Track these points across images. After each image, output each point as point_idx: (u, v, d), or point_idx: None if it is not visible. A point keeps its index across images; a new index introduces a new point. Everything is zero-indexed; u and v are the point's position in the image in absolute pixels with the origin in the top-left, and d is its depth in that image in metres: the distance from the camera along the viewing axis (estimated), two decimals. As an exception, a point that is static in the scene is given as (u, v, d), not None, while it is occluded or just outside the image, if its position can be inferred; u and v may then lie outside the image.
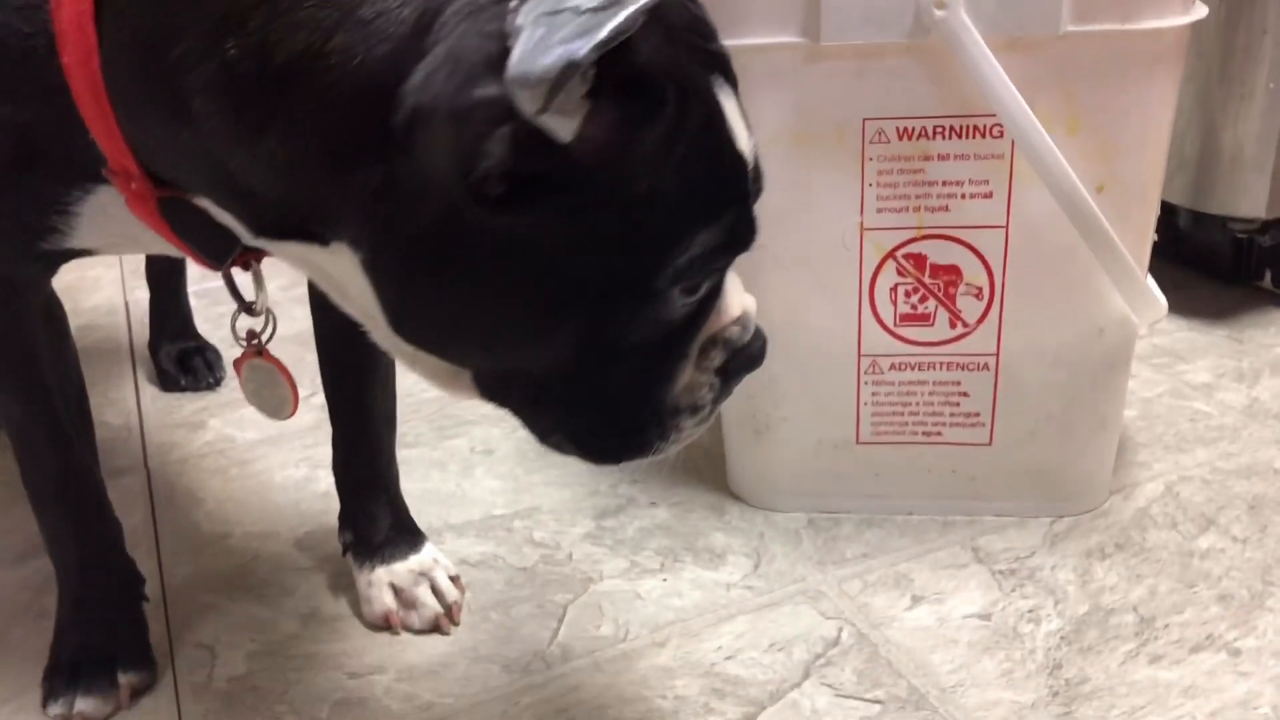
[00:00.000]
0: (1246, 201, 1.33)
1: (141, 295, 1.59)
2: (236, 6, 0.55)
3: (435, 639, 0.95)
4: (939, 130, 0.90)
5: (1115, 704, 0.84)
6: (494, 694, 0.89)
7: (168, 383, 1.39)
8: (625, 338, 0.59)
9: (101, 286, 1.72)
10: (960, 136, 0.90)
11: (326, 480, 1.17)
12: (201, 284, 1.62)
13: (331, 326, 0.91)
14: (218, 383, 1.39)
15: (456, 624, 0.96)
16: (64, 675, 0.87)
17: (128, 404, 1.37)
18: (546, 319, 0.58)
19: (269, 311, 0.79)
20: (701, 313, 0.62)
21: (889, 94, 0.89)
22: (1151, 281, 0.97)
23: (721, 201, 0.58)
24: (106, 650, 0.89)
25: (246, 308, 0.78)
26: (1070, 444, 1.02)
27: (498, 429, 1.26)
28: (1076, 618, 0.93)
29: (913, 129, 0.90)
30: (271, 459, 1.24)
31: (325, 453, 1.22)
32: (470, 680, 0.90)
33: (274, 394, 0.81)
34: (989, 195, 0.92)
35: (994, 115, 0.87)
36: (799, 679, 0.88)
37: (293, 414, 0.82)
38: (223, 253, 0.69)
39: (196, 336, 1.43)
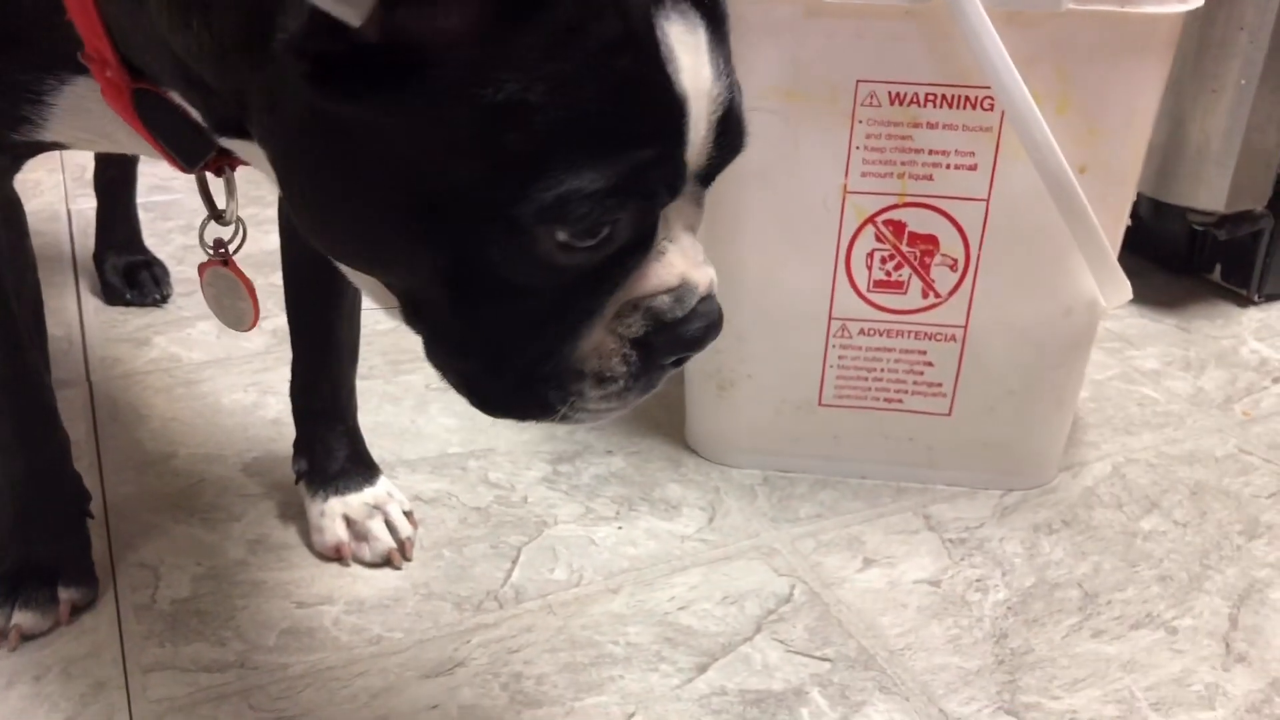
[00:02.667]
0: (1206, 194, 1.36)
1: (85, 204, 1.54)
2: None
3: (386, 573, 0.94)
4: (930, 98, 0.90)
5: (1057, 675, 0.86)
6: (445, 630, 0.88)
7: (112, 296, 1.35)
8: (494, 273, 0.53)
9: (42, 191, 1.66)
10: (951, 106, 0.90)
11: (276, 406, 1.15)
12: (149, 196, 1.57)
13: (299, 252, 0.88)
14: (164, 299, 1.36)
15: (409, 559, 0.95)
16: (4, 587, 0.85)
17: (69, 315, 1.33)
18: (406, 231, 0.53)
19: (239, 221, 0.76)
20: (616, 267, 0.55)
21: (885, 57, 0.89)
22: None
23: (621, 139, 0.50)
24: (48, 565, 0.86)
25: (216, 215, 0.76)
26: (1027, 420, 1.04)
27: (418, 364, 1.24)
28: (1023, 589, 0.95)
29: (905, 94, 0.90)
30: (219, 381, 1.21)
31: (275, 378, 1.20)
32: (421, 616, 0.90)
33: (234, 305, 0.79)
34: (973, 168, 0.92)
35: (986, 87, 0.87)
36: (750, 633, 0.89)
37: (252, 327, 0.80)
38: (195, 154, 0.66)
39: (144, 250, 1.39)
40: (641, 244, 0.55)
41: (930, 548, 0.99)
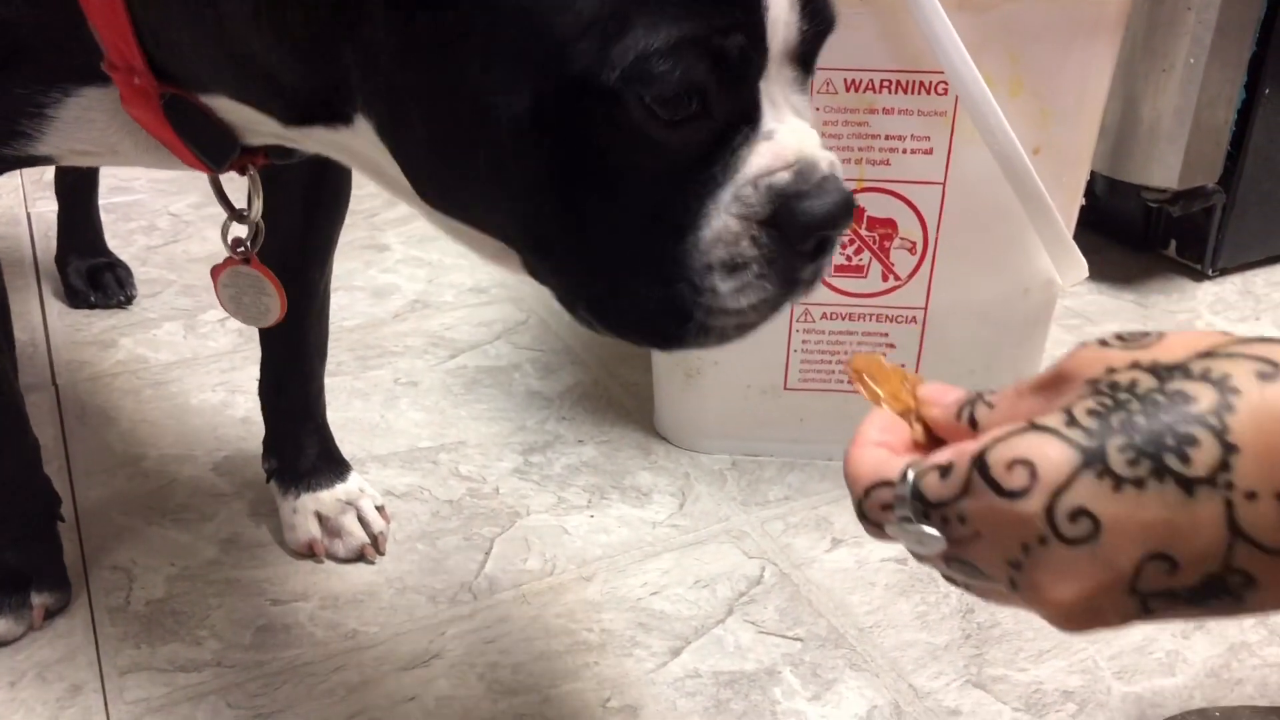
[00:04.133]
0: (1160, 172, 1.38)
1: (44, 206, 1.53)
2: None
3: (360, 568, 0.95)
4: (885, 84, 0.91)
5: (1023, 647, 0.87)
6: (420, 624, 0.89)
7: (76, 299, 1.34)
8: (603, 165, 0.52)
9: (0, 195, 1.65)
10: (906, 92, 0.91)
11: (244, 405, 1.15)
12: (111, 198, 1.56)
13: (271, 252, 0.88)
14: (129, 300, 1.35)
15: (382, 554, 0.96)
16: None
17: (32, 319, 1.32)
18: (518, 144, 0.52)
19: (260, 221, 0.76)
20: (723, 146, 0.53)
21: (840, 44, 0.89)
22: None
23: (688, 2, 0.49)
24: (20, 570, 0.86)
25: (236, 215, 0.75)
26: (988, 398, 1.06)
27: (422, 360, 1.25)
28: (988, 564, 0.96)
29: (860, 81, 0.91)
30: (187, 381, 1.21)
31: (243, 377, 1.20)
32: (396, 610, 0.90)
33: (257, 301, 0.78)
34: (929, 152, 0.93)
35: (940, 72, 0.89)
36: (723, 615, 0.90)
37: (279, 320, 0.80)
38: (223, 155, 0.66)
39: (107, 252, 1.38)
40: (746, 121, 0.53)
41: (897, 526, 1.01)
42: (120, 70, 0.61)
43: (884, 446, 0.46)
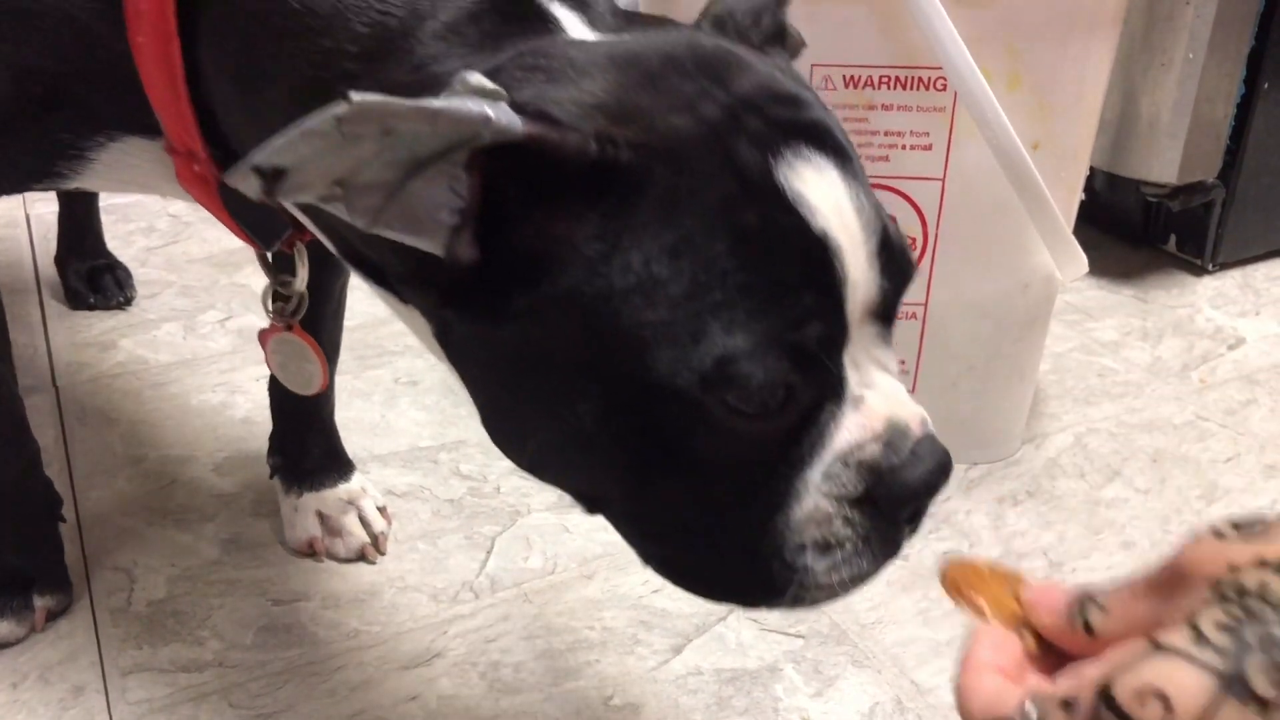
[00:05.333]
0: (1159, 167, 1.38)
1: (43, 209, 1.53)
2: (341, 33, 0.51)
3: (361, 567, 0.95)
4: (884, 80, 0.91)
5: (1024, 642, 0.87)
6: (421, 623, 0.89)
7: (76, 301, 1.34)
8: (682, 455, 0.50)
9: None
10: (904, 88, 0.91)
11: (244, 405, 1.15)
12: (111, 199, 1.56)
13: None
14: (128, 302, 1.35)
15: (383, 553, 0.96)
16: None
17: (32, 320, 1.32)
18: (582, 434, 0.50)
19: (304, 291, 0.74)
20: (811, 426, 0.50)
21: (839, 41, 0.90)
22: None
23: (768, 291, 0.47)
24: (22, 572, 0.86)
25: (280, 284, 0.74)
26: (989, 394, 1.06)
27: (422, 361, 1.25)
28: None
29: (859, 77, 0.91)
30: (187, 382, 1.21)
31: (242, 377, 1.20)
32: (397, 609, 0.90)
33: (302, 368, 0.78)
34: (928, 148, 0.93)
35: (938, 68, 0.89)
36: (724, 613, 0.90)
37: (322, 388, 0.80)
38: (274, 236, 0.66)
39: (107, 254, 1.38)
40: (832, 396, 0.50)
41: (898, 523, 1.01)
42: (180, 154, 0.60)
43: (997, 669, 0.42)
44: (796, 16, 0.89)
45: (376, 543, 0.96)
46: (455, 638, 0.87)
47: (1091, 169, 1.46)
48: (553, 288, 0.47)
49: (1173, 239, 1.53)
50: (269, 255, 0.74)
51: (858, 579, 0.52)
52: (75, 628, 0.88)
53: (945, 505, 1.03)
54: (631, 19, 0.56)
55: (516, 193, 0.46)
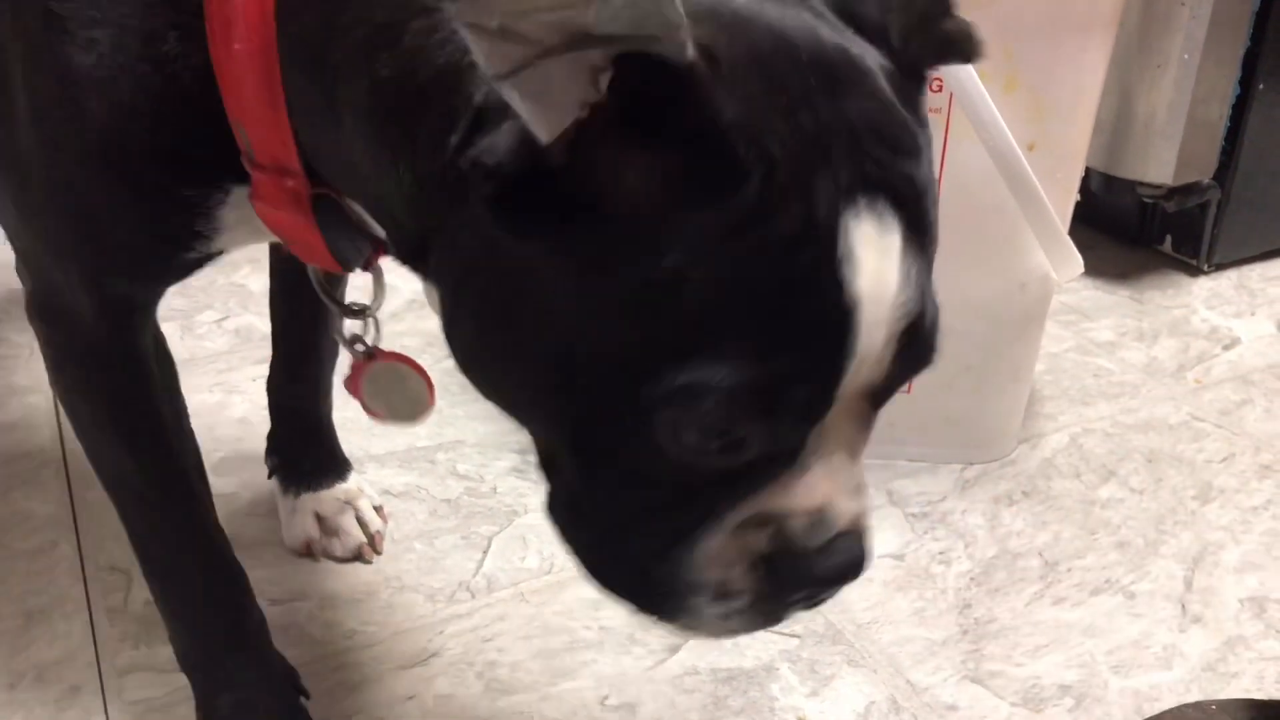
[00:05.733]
0: (1155, 168, 1.38)
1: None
2: (397, 14, 0.49)
3: (358, 567, 0.95)
4: (880, 81, 0.91)
5: (1020, 642, 0.88)
6: (418, 622, 0.89)
7: (72, 300, 1.34)
8: (619, 450, 0.49)
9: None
10: (901, 88, 0.91)
11: (242, 406, 1.15)
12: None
13: (291, 258, 0.88)
14: (125, 302, 1.35)
15: (379, 553, 0.96)
16: None
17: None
18: (546, 384, 0.49)
19: (375, 317, 0.71)
20: (750, 474, 0.48)
21: (834, 42, 0.90)
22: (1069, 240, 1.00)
23: (771, 341, 0.44)
24: None
25: (350, 312, 0.70)
26: (985, 394, 1.06)
27: (419, 360, 1.24)
28: (985, 560, 0.97)
29: (855, 78, 0.91)
30: (184, 382, 1.18)
31: (239, 378, 1.20)
32: (394, 608, 0.90)
33: (405, 394, 0.71)
34: (925, 148, 0.93)
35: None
36: (721, 613, 0.90)
37: (430, 405, 0.72)
38: (360, 256, 0.62)
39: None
40: (784, 456, 0.48)
41: (894, 522, 1.01)
42: (267, 170, 0.57)
43: None
44: (793, 17, 0.89)
45: (373, 542, 0.96)
46: (452, 637, 0.88)
47: (1087, 170, 1.47)
48: (601, 233, 0.44)
49: (1168, 240, 1.53)
50: (328, 282, 0.71)
51: (743, 630, 0.52)
52: (72, 627, 0.88)
53: (941, 505, 1.03)
54: None
55: (635, 121, 0.43)
